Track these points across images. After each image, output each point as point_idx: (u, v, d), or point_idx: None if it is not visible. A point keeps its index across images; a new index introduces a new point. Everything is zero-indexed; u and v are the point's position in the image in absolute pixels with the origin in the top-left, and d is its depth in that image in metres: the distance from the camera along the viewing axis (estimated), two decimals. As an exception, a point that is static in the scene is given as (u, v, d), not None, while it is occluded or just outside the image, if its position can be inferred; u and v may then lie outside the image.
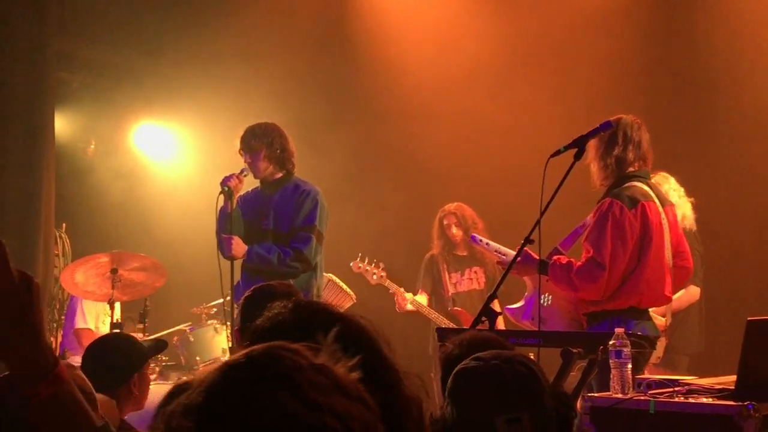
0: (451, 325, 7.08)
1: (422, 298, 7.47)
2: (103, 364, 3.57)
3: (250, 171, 5.86)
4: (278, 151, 5.84)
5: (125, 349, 3.77)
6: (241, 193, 5.95)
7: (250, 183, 6.04)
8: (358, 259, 7.42)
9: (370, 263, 7.41)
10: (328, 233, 5.98)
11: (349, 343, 1.66)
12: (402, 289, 7.37)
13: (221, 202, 5.78)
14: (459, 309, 7.32)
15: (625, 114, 4.95)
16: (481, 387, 2.27)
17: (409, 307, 7.36)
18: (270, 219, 5.84)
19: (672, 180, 6.04)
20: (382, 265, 7.46)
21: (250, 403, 0.97)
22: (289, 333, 1.50)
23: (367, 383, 1.59)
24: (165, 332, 7.31)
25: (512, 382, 2.25)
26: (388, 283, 7.43)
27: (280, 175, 5.91)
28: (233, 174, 5.78)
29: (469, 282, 7.53)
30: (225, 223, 5.76)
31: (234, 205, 5.79)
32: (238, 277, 5.78)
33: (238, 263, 5.79)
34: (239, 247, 5.71)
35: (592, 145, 4.81)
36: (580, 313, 4.91)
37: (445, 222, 7.48)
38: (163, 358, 6.67)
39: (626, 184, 4.87)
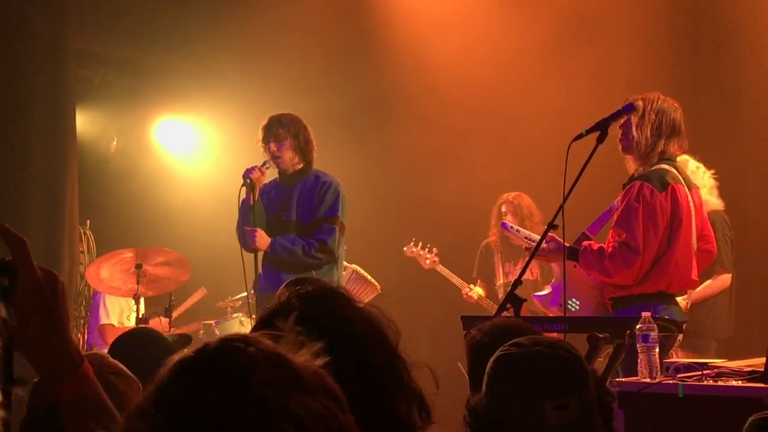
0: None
1: (480, 290, 7.47)
2: (129, 358, 3.57)
3: (274, 161, 5.84)
4: (302, 143, 5.84)
5: (151, 344, 3.77)
6: (261, 186, 5.93)
7: (269, 175, 6.02)
8: (412, 243, 7.41)
9: (423, 248, 7.41)
10: (353, 224, 5.97)
11: (358, 333, 1.66)
12: (461, 281, 7.34)
13: (243, 195, 5.76)
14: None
15: (658, 94, 4.85)
16: (525, 374, 2.21)
17: (475, 297, 7.37)
18: (292, 211, 5.83)
19: (691, 162, 5.94)
20: (435, 250, 7.45)
21: (199, 406, 0.94)
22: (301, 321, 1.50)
23: (373, 371, 1.59)
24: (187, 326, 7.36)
25: (557, 367, 2.20)
26: (440, 268, 7.40)
27: (300, 166, 5.90)
28: (255, 166, 5.77)
29: (518, 272, 7.49)
30: (248, 215, 5.74)
31: (257, 198, 5.77)
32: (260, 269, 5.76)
33: (260, 255, 5.77)
34: (263, 239, 5.69)
35: (650, 117, 4.75)
36: (606, 298, 4.87)
37: (502, 210, 7.44)
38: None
39: (655, 167, 4.81)
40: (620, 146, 4.89)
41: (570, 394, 2.16)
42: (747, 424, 1.98)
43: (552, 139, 5.62)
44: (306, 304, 1.66)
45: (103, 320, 7.16)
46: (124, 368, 2.66)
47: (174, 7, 8.89)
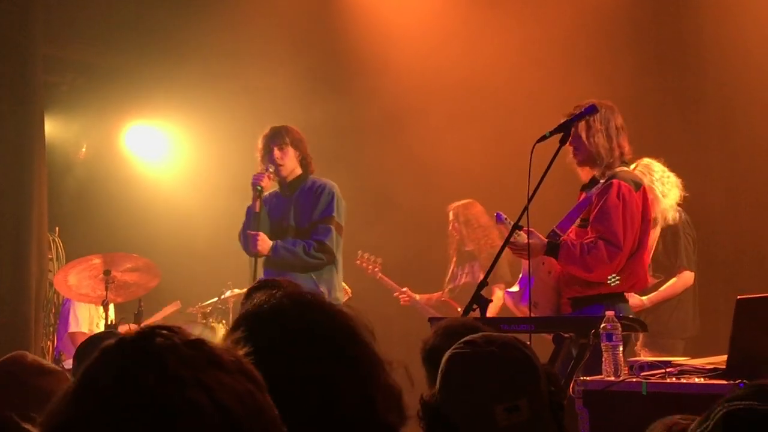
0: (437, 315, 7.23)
1: (413, 294, 7.74)
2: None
3: (276, 168, 5.97)
4: (302, 152, 6.03)
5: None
6: (263, 196, 6.05)
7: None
8: (359, 254, 7.60)
9: (368, 259, 7.62)
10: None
11: (333, 332, 1.67)
12: (396, 285, 7.55)
13: (255, 203, 5.91)
14: (446, 299, 7.47)
15: (597, 100, 4.89)
16: (477, 374, 2.22)
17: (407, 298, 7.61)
18: (290, 217, 5.97)
19: (657, 166, 6.02)
20: (379, 260, 7.62)
21: (115, 384, 0.98)
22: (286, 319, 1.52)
23: (347, 370, 1.60)
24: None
25: (509, 369, 2.21)
26: (379, 277, 7.62)
27: (299, 173, 6.05)
28: (263, 173, 5.92)
29: (462, 275, 7.62)
30: (252, 221, 5.88)
31: (262, 205, 5.93)
32: (261, 273, 5.88)
33: (260, 260, 5.90)
34: (265, 243, 5.84)
35: (596, 126, 4.79)
36: (565, 298, 4.90)
37: (450, 217, 7.60)
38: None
39: (620, 168, 4.88)
40: (576, 161, 4.92)
41: (521, 396, 2.17)
42: (719, 416, 1.95)
43: (517, 143, 5.65)
44: (279, 309, 1.68)
45: (73, 328, 7.12)
46: (49, 364, 2.63)
47: (143, 12, 8.85)
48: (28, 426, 1.48)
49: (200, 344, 1.04)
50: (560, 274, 4.94)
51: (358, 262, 7.67)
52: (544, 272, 4.93)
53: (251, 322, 1.64)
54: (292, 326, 1.62)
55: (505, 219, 5.21)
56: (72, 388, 1.01)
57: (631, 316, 4.75)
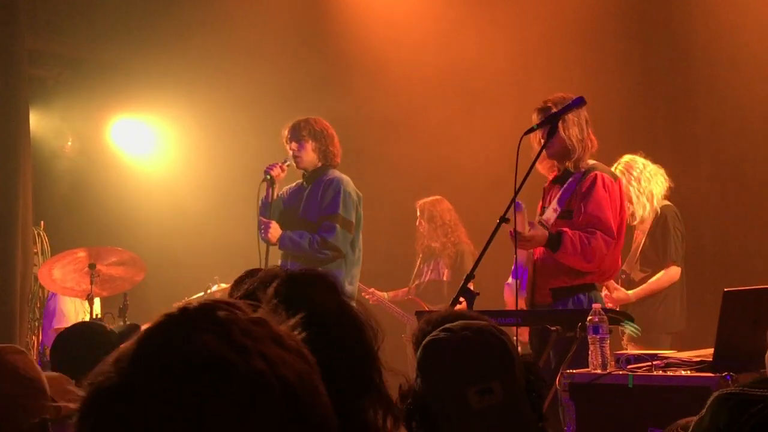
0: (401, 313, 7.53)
1: (382, 293, 7.84)
2: (68, 354, 3.53)
3: (294, 160, 6.02)
4: (323, 146, 6.03)
5: (90, 339, 3.71)
6: (289, 186, 6.19)
7: (294, 176, 6.22)
8: None
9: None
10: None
11: (333, 322, 1.65)
12: (362, 286, 7.55)
13: (263, 190, 5.97)
14: (413, 297, 7.51)
15: (565, 93, 4.92)
16: (451, 358, 2.23)
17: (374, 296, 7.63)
18: (299, 208, 6.04)
19: (638, 161, 6.05)
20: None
21: (178, 348, 0.97)
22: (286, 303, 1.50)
23: (342, 366, 1.58)
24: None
25: (482, 352, 2.22)
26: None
27: (318, 166, 6.07)
28: (276, 163, 5.98)
29: (430, 272, 7.65)
30: (265, 210, 5.96)
31: (275, 194, 5.99)
32: (272, 260, 5.92)
33: (272, 249, 5.96)
34: (275, 231, 5.90)
35: (570, 118, 4.81)
36: (545, 288, 4.91)
37: (417, 213, 7.63)
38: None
39: (594, 161, 4.99)
40: (546, 153, 4.90)
41: (493, 378, 2.17)
42: (711, 399, 1.95)
43: (505, 136, 5.65)
44: (286, 283, 1.70)
45: (58, 323, 7.07)
46: (35, 369, 2.58)
47: (130, 6, 8.82)
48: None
49: (263, 321, 1.04)
50: (540, 265, 4.95)
51: None
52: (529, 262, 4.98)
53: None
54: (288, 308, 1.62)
55: (523, 210, 5.16)
56: (130, 350, 0.99)
57: (617, 309, 4.78)
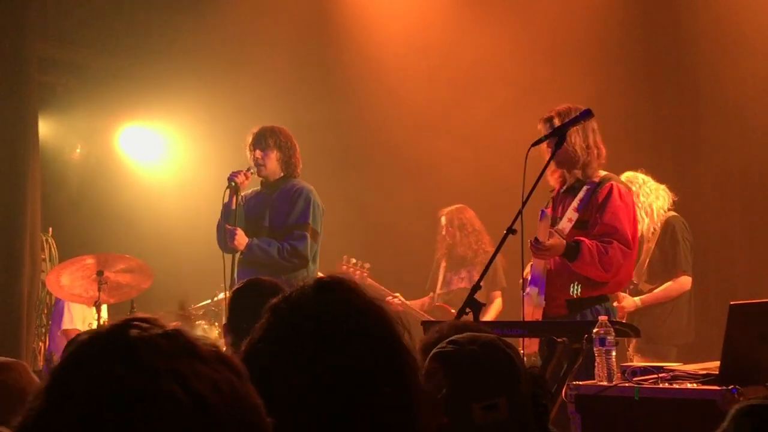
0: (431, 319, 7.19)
1: (401, 297, 7.62)
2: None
3: (256, 168, 5.99)
4: (287, 155, 6.00)
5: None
6: (245, 193, 6.08)
7: (254, 182, 6.14)
8: (344, 259, 7.51)
9: (355, 264, 7.51)
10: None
11: (375, 333, 1.64)
12: (386, 290, 7.47)
13: (227, 197, 5.90)
14: (441, 304, 7.43)
15: (572, 104, 4.95)
16: (457, 372, 2.22)
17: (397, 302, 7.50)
18: (266, 218, 5.96)
19: (639, 178, 6.10)
20: (367, 265, 7.55)
21: (86, 377, 0.99)
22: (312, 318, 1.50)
23: (385, 372, 1.57)
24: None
25: (489, 368, 2.21)
26: (369, 282, 7.53)
27: (280, 176, 6.03)
28: (241, 170, 5.92)
29: (459, 281, 7.59)
30: (229, 217, 5.88)
31: (238, 201, 5.92)
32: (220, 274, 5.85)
33: (237, 258, 5.88)
34: (242, 239, 5.83)
35: (579, 129, 4.83)
36: (561, 299, 4.91)
37: (442, 222, 7.56)
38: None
39: (607, 173, 5.00)
40: (554, 163, 4.91)
41: (499, 394, 2.17)
42: (734, 411, 1.97)
43: (513, 147, 5.65)
44: (319, 295, 1.67)
45: (67, 325, 7.09)
46: (7, 360, 2.63)
47: (137, 14, 8.86)
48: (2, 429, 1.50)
49: (176, 334, 1.04)
50: (554, 275, 4.96)
51: (345, 267, 7.59)
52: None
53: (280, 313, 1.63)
54: (324, 317, 1.60)
55: (547, 217, 5.14)
56: (45, 384, 1.02)
57: (623, 320, 4.78)
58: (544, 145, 4.71)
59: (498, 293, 7.10)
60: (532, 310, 4.96)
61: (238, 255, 5.87)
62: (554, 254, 4.84)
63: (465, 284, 7.51)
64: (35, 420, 0.99)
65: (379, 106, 8.72)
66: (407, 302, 7.61)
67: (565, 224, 4.93)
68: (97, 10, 8.69)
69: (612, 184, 4.89)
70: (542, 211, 4.97)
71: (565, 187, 5.07)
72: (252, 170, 5.97)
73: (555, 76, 7.88)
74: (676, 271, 6.08)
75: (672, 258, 6.10)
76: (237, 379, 1.05)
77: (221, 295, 7.36)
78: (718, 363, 3.79)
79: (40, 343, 7.29)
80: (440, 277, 7.67)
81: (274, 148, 5.96)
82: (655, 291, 6.08)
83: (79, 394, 0.97)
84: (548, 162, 4.49)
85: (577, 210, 4.94)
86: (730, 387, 3.51)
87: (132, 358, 0.99)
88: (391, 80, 8.67)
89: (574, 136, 4.86)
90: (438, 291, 7.64)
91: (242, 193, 6.05)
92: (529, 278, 5.08)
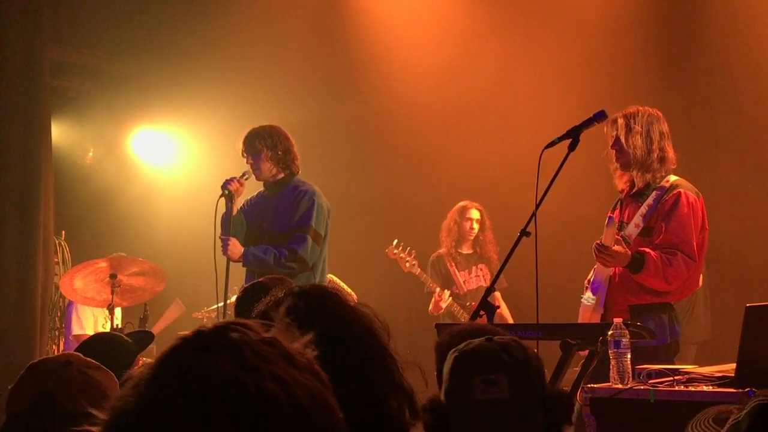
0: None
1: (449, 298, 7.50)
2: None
3: (252, 173, 5.85)
4: (280, 153, 5.84)
5: (112, 350, 3.73)
6: (248, 197, 5.97)
7: (254, 186, 6.03)
8: (394, 244, 7.41)
9: (404, 250, 7.41)
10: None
11: (351, 330, 1.71)
12: (438, 288, 7.36)
13: (222, 205, 5.76)
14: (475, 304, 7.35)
15: (641, 106, 4.89)
16: (465, 357, 2.28)
17: (443, 305, 7.38)
18: (267, 219, 5.84)
19: None
20: (414, 253, 7.45)
21: (191, 371, 1.01)
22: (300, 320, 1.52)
23: (365, 369, 1.64)
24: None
25: (496, 349, 2.25)
26: (419, 272, 7.43)
27: (282, 176, 5.90)
28: (234, 177, 5.78)
29: (476, 279, 7.55)
30: (225, 226, 5.75)
31: (234, 208, 5.79)
32: (235, 278, 5.77)
33: (235, 265, 5.77)
34: (236, 248, 5.70)
35: (635, 128, 4.79)
36: (623, 305, 4.84)
37: (467, 216, 7.48)
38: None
39: (677, 178, 4.90)
40: (618, 165, 4.91)
41: (501, 371, 2.19)
42: (751, 407, 1.92)
43: (526, 148, 5.63)
44: (299, 300, 1.78)
45: (76, 331, 7.10)
46: (98, 363, 2.72)
47: (150, 17, 8.88)
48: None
49: (274, 341, 1.08)
50: (618, 281, 4.89)
51: (394, 252, 7.38)
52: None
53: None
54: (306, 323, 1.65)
55: (614, 220, 5.06)
56: (148, 374, 1.03)
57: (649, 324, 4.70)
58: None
59: (498, 293, 7.08)
60: (590, 316, 4.92)
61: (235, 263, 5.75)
62: (618, 263, 4.75)
63: (482, 282, 7.45)
64: (138, 406, 1.00)
65: (396, 103, 8.72)
66: (452, 303, 7.47)
67: (632, 230, 4.86)
68: (110, 15, 8.71)
69: (680, 191, 4.78)
70: (609, 217, 4.90)
71: (633, 191, 4.98)
72: (247, 176, 5.82)
73: (568, 78, 7.86)
74: None
75: None
76: (327, 391, 1.08)
77: (234, 298, 7.35)
78: (734, 365, 3.77)
79: (54, 347, 7.30)
80: (457, 277, 7.57)
81: (263, 148, 5.79)
82: None
83: (186, 388, 0.99)
84: (561, 164, 4.44)
85: (644, 216, 4.89)
86: (746, 389, 3.49)
87: (238, 356, 1.02)
88: (406, 78, 8.66)
89: (635, 138, 4.81)
90: (464, 290, 7.53)
91: (247, 197, 5.97)
92: (589, 284, 5.03)
